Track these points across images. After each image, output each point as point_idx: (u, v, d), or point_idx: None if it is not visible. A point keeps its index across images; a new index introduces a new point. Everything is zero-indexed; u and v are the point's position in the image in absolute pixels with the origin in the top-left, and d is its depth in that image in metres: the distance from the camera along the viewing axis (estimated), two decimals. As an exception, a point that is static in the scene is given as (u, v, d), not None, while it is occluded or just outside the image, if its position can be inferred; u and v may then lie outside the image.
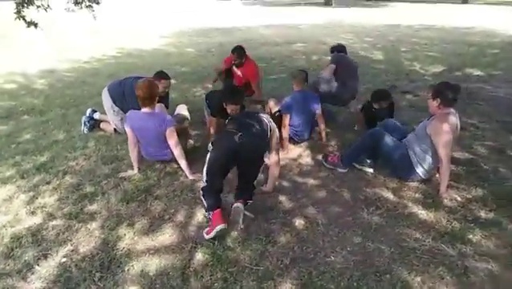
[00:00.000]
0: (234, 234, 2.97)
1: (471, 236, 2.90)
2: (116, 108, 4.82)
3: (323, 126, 4.75)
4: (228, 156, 3.05)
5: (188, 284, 2.48)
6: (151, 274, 2.58)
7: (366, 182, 3.74)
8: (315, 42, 12.37)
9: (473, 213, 3.20)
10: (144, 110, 3.80)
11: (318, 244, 2.85)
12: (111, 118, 4.93)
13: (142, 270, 2.60)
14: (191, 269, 2.60)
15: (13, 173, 4.08)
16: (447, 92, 3.38)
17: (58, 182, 3.88)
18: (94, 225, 3.14)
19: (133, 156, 3.96)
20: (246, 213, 3.09)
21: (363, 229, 3.02)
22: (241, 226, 2.93)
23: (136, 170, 3.98)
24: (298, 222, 3.11)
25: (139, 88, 3.78)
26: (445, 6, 25.86)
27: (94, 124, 5.23)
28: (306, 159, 4.32)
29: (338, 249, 2.79)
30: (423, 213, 3.21)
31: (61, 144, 4.81)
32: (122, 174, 3.97)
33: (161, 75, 4.72)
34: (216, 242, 2.84)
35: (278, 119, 4.63)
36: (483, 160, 4.12)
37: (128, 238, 2.95)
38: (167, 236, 2.97)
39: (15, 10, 5.46)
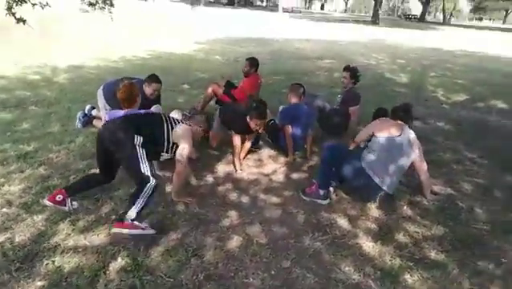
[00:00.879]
0: (165, 242, 2.94)
1: (408, 276, 2.71)
2: (108, 107, 4.93)
3: (310, 141, 4.79)
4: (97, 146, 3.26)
5: (94, 286, 2.48)
6: (65, 271, 2.60)
7: (326, 206, 3.60)
8: (344, 60, 12.16)
9: (423, 251, 2.99)
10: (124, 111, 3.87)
11: (245, 263, 2.77)
12: (103, 116, 5.06)
13: (59, 267, 2.63)
14: (105, 272, 2.60)
15: (-6, 159, 4.29)
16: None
17: (31, 172, 4.02)
18: (40, 217, 3.22)
19: None
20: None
21: (298, 254, 2.90)
22: None
23: None
24: (236, 239, 3.04)
25: (119, 90, 3.87)
26: (500, 35, 24.72)
27: (88, 121, 5.39)
28: (279, 176, 4.23)
29: (261, 271, 2.69)
30: (369, 246, 3.04)
31: (52, 137, 4.99)
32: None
33: (152, 79, 4.82)
34: (142, 248, 2.83)
35: (271, 128, 4.75)
36: (462, 198, 3.86)
37: (64, 234, 3.00)
38: (101, 236, 2.99)
39: (6, 7, 5.60)
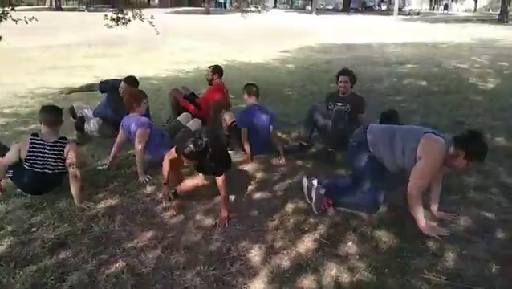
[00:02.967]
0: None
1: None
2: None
3: (279, 145, 4.55)
4: None
5: None
6: None
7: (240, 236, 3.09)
8: (430, 65, 10.79)
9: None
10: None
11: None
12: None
13: None
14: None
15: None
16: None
17: None
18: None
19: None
20: None
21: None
22: None
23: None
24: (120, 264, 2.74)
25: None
26: None
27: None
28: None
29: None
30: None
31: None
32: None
33: (127, 80, 4.98)
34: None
35: (234, 130, 4.59)
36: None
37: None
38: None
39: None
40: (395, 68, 10.52)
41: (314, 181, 3.37)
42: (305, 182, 3.51)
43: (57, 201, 3.57)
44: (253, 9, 40.61)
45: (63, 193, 3.61)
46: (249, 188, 3.81)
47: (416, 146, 2.90)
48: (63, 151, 3.56)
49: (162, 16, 30.81)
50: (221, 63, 12.66)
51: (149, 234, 3.07)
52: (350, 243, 2.88)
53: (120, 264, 2.68)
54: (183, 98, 5.54)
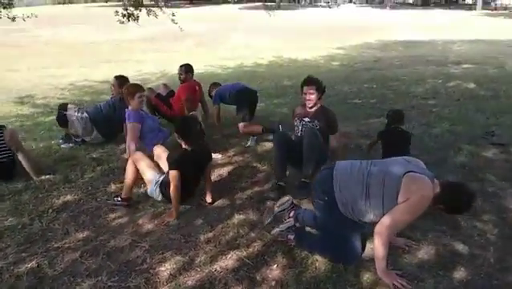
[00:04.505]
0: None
1: None
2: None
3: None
4: None
5: None
6: None
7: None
8: (490, 66, 9.70)
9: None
10: None
11: None
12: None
13: None
14: None
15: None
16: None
17: None
18: None
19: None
20: None
21: None
22: None
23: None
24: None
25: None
26: None
27: None
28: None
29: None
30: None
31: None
32: None
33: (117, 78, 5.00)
34: None
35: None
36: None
37: None
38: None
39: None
40: (447, 68, 9.57)
41: (291, 214, 2.84)
42: (285, 203, 2.93)
43: (24, 192, 3.66)
44: (323, 3, 39.82)
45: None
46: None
47: (397, 191, 2.32)
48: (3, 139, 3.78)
49: (232, 11, 31.52)
50: (267, 59, 12.55)
51: (82, 234, 3.01)
52: (275, 266, 2.58)
53: (32, 265, 2.64)
54: (155, 97, 5.38)
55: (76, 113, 4.76)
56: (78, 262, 2.68)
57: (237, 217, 3.18)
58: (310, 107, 3.83)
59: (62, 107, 4.79)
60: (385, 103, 6.49)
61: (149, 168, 3.35)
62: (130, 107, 4.16)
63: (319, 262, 2.59)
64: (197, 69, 9.51)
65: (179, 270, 2.56)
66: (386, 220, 2.34)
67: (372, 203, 2.41)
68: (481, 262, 2.59)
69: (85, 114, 4.77)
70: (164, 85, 5.98)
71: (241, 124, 4.95)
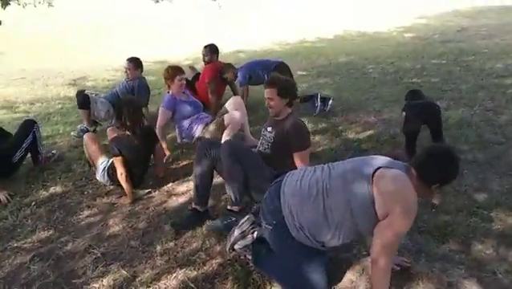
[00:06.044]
0: None
1: None
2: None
3: None
4: None
5: None
6: None
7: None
8: None
9: None
10: None
11: None
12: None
13: None
14: None
15: None
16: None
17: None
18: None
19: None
20: None
21: None
22: None
23: None
24: None
25: None
26: None
27: None
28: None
29: None
30: None
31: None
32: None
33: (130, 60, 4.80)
34: None
35: None
36: None
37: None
38: None
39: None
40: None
41: (254, 235, 2.30)
42: (244, 224, 2.39)
43: (20, 181, 3.61)
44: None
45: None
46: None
47: (371, 198, 1.79)
48: None
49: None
50: (336, 32, 11.58)
51: (46, 234, 2.83)
52: (219, 293, 2.14)
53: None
54: None
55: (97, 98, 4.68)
56: (23, 268, 2.48)
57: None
58: (274, 116, 2.87)
59: (82, 92, 4.71)
60: (448, 83, 5.49)
61: (98, 152, 3.35)
62: (170, 91, 3.99)
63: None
64: (249, 46, 9.01)
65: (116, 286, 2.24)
66: (377, 249, 1.79)
67: (338, 223, 1.86)
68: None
69: (103, 99, 4.65)
70: (191, 67, 5.66)
71: None
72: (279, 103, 2.77)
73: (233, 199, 2.69)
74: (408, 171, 1.84)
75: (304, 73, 6.94)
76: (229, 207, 2.73)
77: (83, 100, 4.55)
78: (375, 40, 9.74)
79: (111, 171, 3.21)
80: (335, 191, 1.87)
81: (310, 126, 4.40)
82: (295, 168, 2.58)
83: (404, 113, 3.55)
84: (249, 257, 2.24)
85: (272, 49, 9.56)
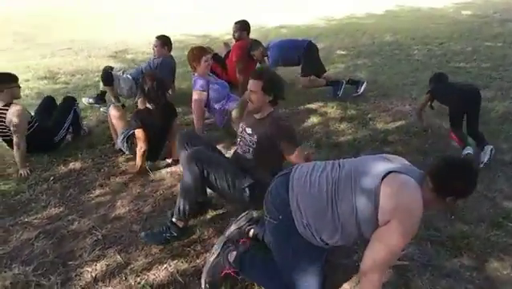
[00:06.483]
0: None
1: None
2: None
3: None
4: None
5: None
6: None
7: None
8: None
9: None
10: None
11: None
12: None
13: None
14: None
15: None
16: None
17: None
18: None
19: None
20: None
21: None
22: None
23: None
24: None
25: None
26: None
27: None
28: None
29: None
30: None
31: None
32: None
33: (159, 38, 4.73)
34: None
35: None
36: None
37: None
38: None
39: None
40: None
41: (233, 254, 2.13)
42: (242, 220, 2.35)
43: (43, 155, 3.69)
44: None
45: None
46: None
47: (376, 202, 1.67)
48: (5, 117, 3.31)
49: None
50: (388, 7, 10.89)
51: (56, 211, 2.89)
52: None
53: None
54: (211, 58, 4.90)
55: (122, 74, 4.68)
56: (27, 244, 2.54)
57: (213, 214, 2.71)
58: (253, 112, 2.60)
59: (109, 68, 4.73)
60: (499, 69, 5.00)
61: (122, 122, 3.49)
62: (196, 73, 3.87)
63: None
64: (293, 22, 8.65)
65: (105, 274, 2.25)
66: (368, 261, 1.69)
67: (343, 224, 1.78)
68: None
69: (129, 75, 4.66)
70: (225, 44, 5.52)
71: (304, 78, 4.77)
72: (262, 98, 2.49)
73: (180, 210, 2.45)
74: (423, 180, 1.71)
75: (344, 52, 6.61)
76: (174, 219, 2.48)
77: (107, 77, 4.59)
78: (428, 17, 9.07)
79: (130, 141, 3.36)
80: (344, 193, 1.78)
81: (337, 112, 4.21)
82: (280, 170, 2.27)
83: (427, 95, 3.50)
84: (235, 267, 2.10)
85: (314, 26, 9.16)
